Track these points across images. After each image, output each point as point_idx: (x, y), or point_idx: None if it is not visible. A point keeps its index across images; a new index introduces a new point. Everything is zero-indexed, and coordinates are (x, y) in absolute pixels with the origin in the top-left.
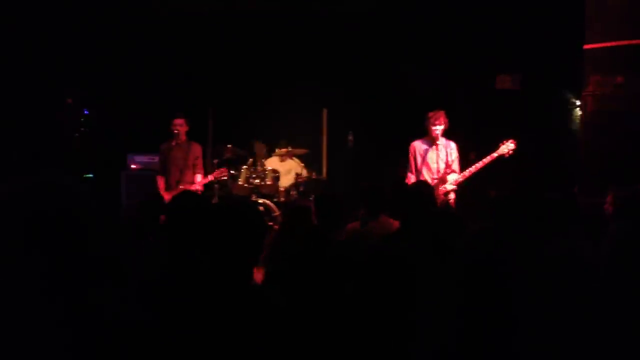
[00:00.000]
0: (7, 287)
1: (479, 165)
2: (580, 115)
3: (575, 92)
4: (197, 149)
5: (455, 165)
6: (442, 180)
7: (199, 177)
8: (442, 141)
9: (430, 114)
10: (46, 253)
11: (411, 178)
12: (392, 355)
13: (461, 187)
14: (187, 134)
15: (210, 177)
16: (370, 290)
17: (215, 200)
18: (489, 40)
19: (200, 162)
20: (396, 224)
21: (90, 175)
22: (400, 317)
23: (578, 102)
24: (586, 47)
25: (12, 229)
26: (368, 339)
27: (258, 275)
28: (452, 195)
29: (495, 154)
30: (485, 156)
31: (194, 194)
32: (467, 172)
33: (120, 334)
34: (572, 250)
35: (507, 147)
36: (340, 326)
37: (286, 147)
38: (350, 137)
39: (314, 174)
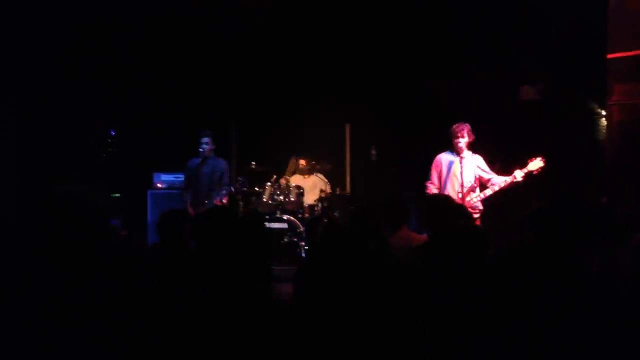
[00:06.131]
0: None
1: (504, 183)
2: (606, 125)
3: (599, 102)
4: (222, 165)
5: (487, 175)
6: (470, 192)
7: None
8: (467, 154)
9: (454, 127)
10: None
11: (431, 188)
12: None
13: (488, 201)
14: (212, 150)
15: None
16: (377, 306)
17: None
18: (511, 51)
19: (226, 177)
20: (418, 237)
21: (118, 195)
22: (412, 331)
23: (603, 112)
24: (610, 56)
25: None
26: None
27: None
28: (478, 207)
29: (523, 171)
30: (512, 169)
31: (222, 209)
32: (496, 187)
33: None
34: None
35: (537, 164)
36: (353, 342)
37: (307, 161)
38: (374, 152)
39: (338, 189)
